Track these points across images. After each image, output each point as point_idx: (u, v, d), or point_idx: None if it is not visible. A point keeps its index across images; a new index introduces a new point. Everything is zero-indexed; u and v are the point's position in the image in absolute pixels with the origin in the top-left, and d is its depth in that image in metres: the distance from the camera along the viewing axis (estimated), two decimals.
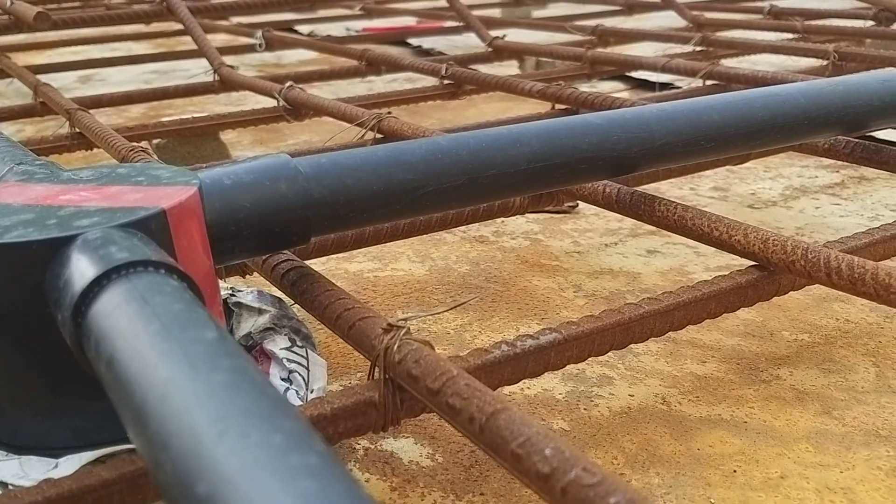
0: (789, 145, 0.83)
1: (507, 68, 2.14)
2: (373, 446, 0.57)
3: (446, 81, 1.48)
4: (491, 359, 0.52)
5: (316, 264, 0.87)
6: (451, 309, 0.72)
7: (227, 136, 1.39)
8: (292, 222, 0.55)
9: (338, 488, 0.25)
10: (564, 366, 0.54)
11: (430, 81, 1.51)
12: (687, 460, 0.55)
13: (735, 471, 0.54)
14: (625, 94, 1.78)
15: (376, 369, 0.49)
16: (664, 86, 1.70)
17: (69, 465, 0.45)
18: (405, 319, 0.50)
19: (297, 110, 1.30)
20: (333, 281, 0.82)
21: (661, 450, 0.56)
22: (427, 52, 2.45)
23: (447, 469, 0.54)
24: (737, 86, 1.38)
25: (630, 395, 0.63)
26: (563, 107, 1.22)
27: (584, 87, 1.88)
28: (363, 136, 1.08)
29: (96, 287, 0.39)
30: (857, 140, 0.87)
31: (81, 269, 0.41)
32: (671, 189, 1.12)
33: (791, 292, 0.63)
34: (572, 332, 0.55)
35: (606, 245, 0.93)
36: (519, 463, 0.38)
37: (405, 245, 0.93)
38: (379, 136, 1.07)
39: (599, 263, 0.88)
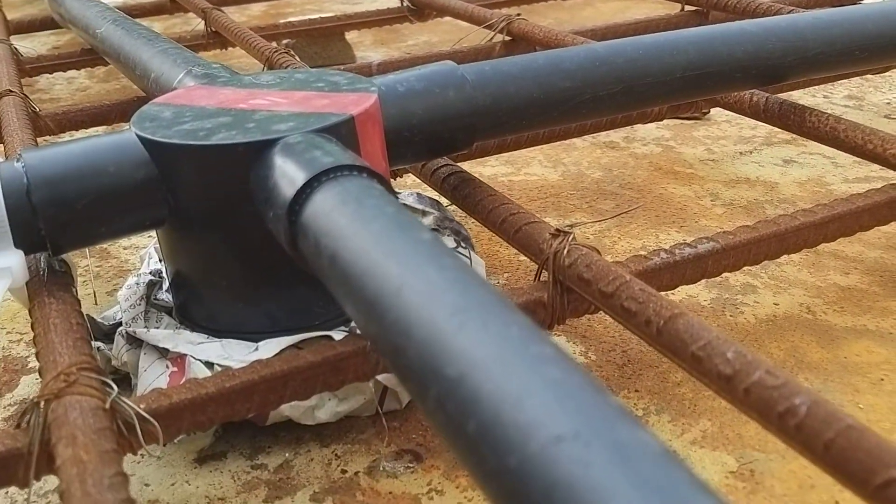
0: None
1: None
2: None
3: None
4: (651, 265, 0.54)
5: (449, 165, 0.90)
6: (616, 216, 0.74)
7: (349, 36, 1.41)
8: (459, 129, 0.58)
9: (576, 377, 0.28)
10: (720, 273, 0.56)
11: None
12: (834, 367, 0.57)
13: (882, 379, 0.56)
14: None
15: (544, 272, 0.52)
16: None
17: (268, 348, 0.50)
18: (571, 226, 0.52)
19: (421, 11, 1.31)
20: None
21: (808, 357, 0.58)
22: None
23: (601, 367, 0.58)
24: None
25: (775, 304, 0.64)
26: (692, 8, 1.20)
27: None
28: (492, 38, 1.08)
29: (308, 189, 0.43)
30: None
31: (291, 171, 0.44)
32: (804, 97, 1.10)
33: None
34: (729, 241, 0.56)
35: (741, 153, 0.93)
36: (700, 364, 0.41)
37: (536, 150, 0.95)
38: (507, 38, 1.07)
39: (735, 172, 0.88)
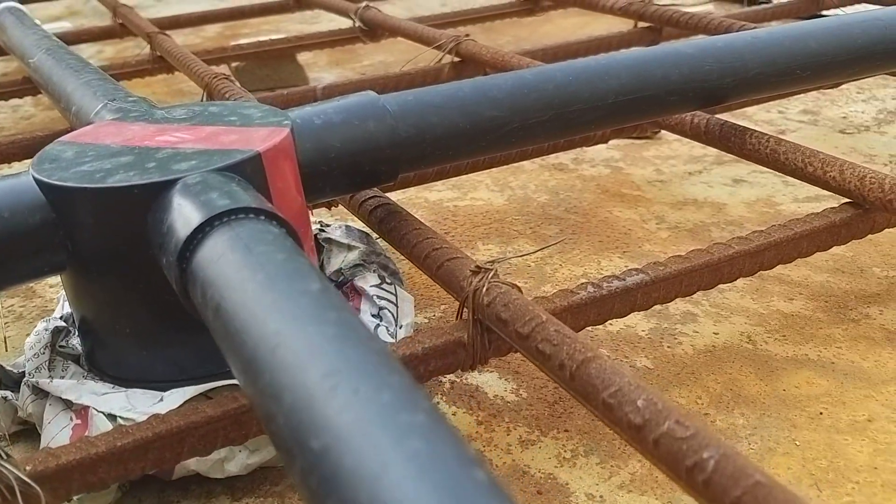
0: (890, 70, 0.79)
1: None
2: (458, 380, 0.58)
3: None
4: (577, 300, 0.52)
5: (394, 194, 0.88)
6: (537, 252, 0.72)
7: (302, 57, 1.39)
8: (380, 161, 0.56)
9: (445, 448, 0.26)
10: (651, 306, 0.54)
11: None
12: (772, 401, 0.55)
13: (821, 413, 0.54)
14: (710, 6, 1.71)
15: (465, 310, 0.49)
16: None
17: (174, 398, 0.48)
18: (493, 262, 0.50)
19: (374, 31, 1.29)
20: (413, 211, 0.83)
21: (745, 389, 0.56)
22: None
23: (531, 405, 0.56)
24: (831, 1, 1.32)
25: (715, 333, 0.62)
26: (645, 24, 1.18)
27: (668, 0, 1.82)
28: (440, 59, 1.07)
29: (200, 234, 0.40)
30: None
31: (184, 215, 0.42)
32: (758, 112, 1.08)
33: None
34: (660, 272, 0.54)
35: (690, 173, 0.91)
36: (610, 412, 0.39)
37: (484, 173, 0.93)
38: (456, 59, 1.06)
39: (683, 193, 0.87)
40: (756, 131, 0.69)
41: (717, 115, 1.04)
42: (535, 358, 0.44)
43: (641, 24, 1.19)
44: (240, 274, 0.37)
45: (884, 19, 0.73)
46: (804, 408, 0.54)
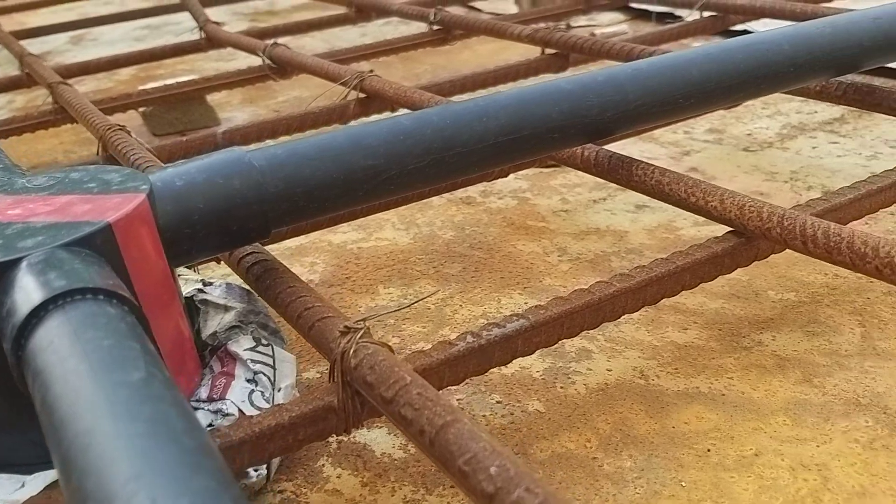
0: (778, 91, 0.80)
1: (504, 3, 2.09)
2: (347, 439, 0.57)
3: (436, 27, 1.45)
4: (455, 352, 0.51)
5: (298, 238, 0.86)
6: (405, 308, 0.71)
7: (216, 96, 1.37)
8: (249, 218, 0.54)
9: None
10: (533, 352, 0.54)
11: (422, 26, 1.47)
12: (661, 440, 0.54)
13: (709, 449, 0.53)
14: (623, 26, 1.73)
15: (336, 372, 0.48)
16: (661, 16, 1.65)
17: (36, 483, 0.46)
18: (363, 320, 0.49)
19: (283, 69, 1.28)
20: (316, 255, 0.81)
21: (635, 429, 0.55)
22: None
23: (419, 461, 0.54)
24: (735, 17, 1.34)
25: (608, 370, 0.62)
26: (552, 51, 1.19)
27: (583, 20, 1.83)
28: (346, 95, 1.06)
29: (34, 319, 0.39)
30: (849, 82, 0.84)
31: (21, 298, 0.40)
32: (665, 134, 1.09)
33: None
34: (540, 317, 0.54)
35: (595, 201, 0.91)
36: (466, 480, 0.37)
37: (391, 212, 0.92)
38: (362, 95, 1.05)
39: (587, 222, 0.86)
40: (642, 163, 0.69)
41: (626, 139, 1.05)
42: (398, 423, 0.43)
43: (549, 51, 1.19)
44: (63, 365, 0.35)
45: (766, 42, 0.73)
46: (692, 445, 0.54)
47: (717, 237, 0.62)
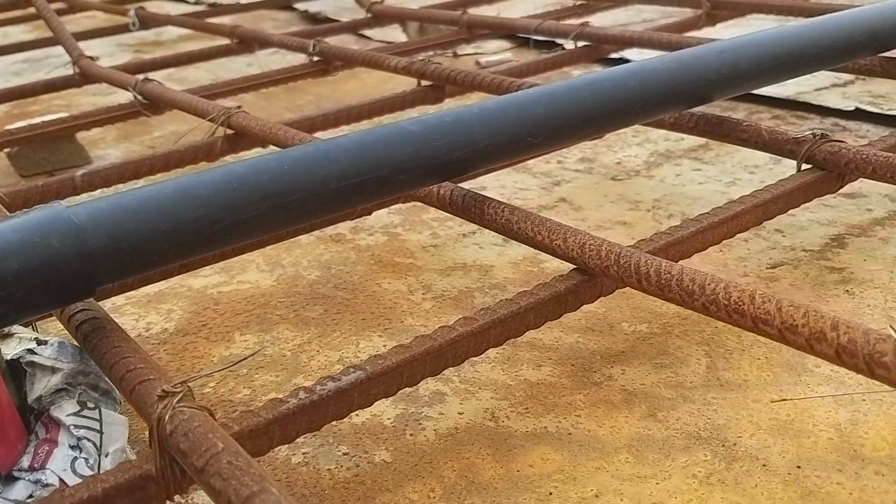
0: (628, 126, 0.82)
1: (394, 31, 2.09)
2: (185, 500, 0.55)
3: (316, 58, 1.43)
4: (286, 410, 0.49)
5: (158, 284, 0.83)
6: (226, 369, 0.68)
7: (90, 133, 1.32)
8: (71, 278, 0.52)
9: None
10: (371, 404, 0.53)
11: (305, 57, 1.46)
12: (505, 485, 0.54)
13: (551, 493, 0.53)
14: (508, 54, 1.75)
15: (154, 439, 0.46)
16: (546, 44, 1.67)
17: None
18: (183, 382, 0.47)
19: (154, 104, 1.25)
20: (174, 301, 0.79)
21: (480, 475, 0.55)
22: (314, 17, 2.38)
23: None
24: (608, 46, 1.37)
25: (459, 414, 0.61)
26: (428, 83, 1.19)
27: (470, 48, 1.85)
28: (213, 132, 1.03)
29: None
30: (700, 114, 0.86)
31: None
32: (538, 165, 1.10)
33: None
34: (378, 367, 0.53)
35: (464, 235, 0.91)
36: None
37: (257, 252, 0.90)
38: (230, 131, 1.03)
39: (454, 257, 0.86)
40: (494, 201, 0.69)
41: (500, 170, 1.05)
42: (209, 493, 0.41)
43: (425, 83, 1.19)
44: None
45: (612, 80, 0.75)
46: (535, 489, 0.54)
47: (561, 275, 0.63)
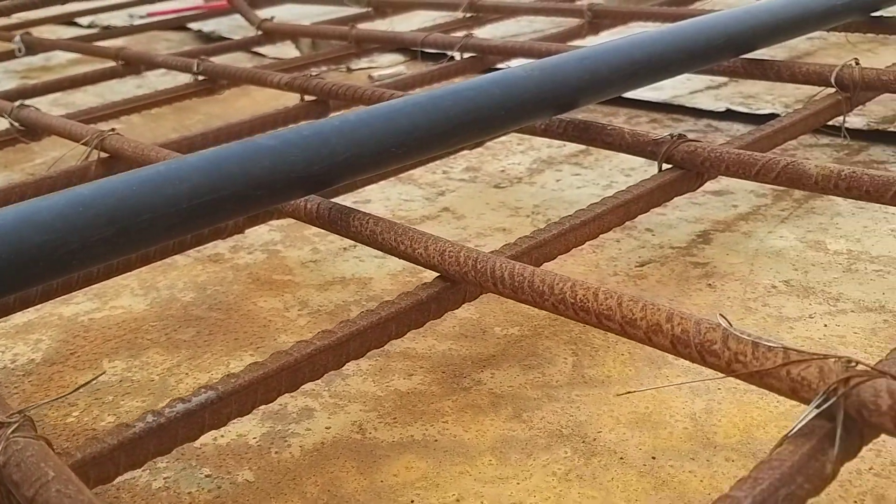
0: (496, 134, 0.83)
1: (290, 48, 2.08)
2: None
3: (201, 77, 1.42)
4: (132, 435, 0.48)
5: (27, 313, 0.81)
6: (60, 398, 0.67)
7: None
8: None
9: None
10: (225, 424, 0.52)
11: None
12: (367, 496, 0.54)
13: (413, 500, 0.53)
14: (402, 67, 1.76)
15: None
16: (431, 56, 1.68)
17: None
18: (20, 412, 0.45)
19: (32, 130, 1.21)
20: (43, 331, 0.76)
21: (343, 488, 0.55)
22: (208, 37, 2.35)
23: None
24: (493, 56, 1.39)
25: (327, 428, 0.61)
26: (311, 98, 1.19)
27: (364, 62, 1.85)
28: (87, 156, 1.01)
29: None
30: (568, 119, 0.88)
31: None
32: (425, 174, 1.11)
33: None
34: (230, 386, 0.52)
35: (345, 248, 0.91)
36: None
37: (132, 276, 0.88)
38: (104, 154, 1.00)
39: (333, 272, 0.86)
40: (359, 213, 0.69)
41: (383, 181, 1.06)
42: None
43: (309, 98, 1.19)
44: None
45: (474, 89, 0.76)
46: (397, 498, 0.54)
47: (424, 283, 0.63)
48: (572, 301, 0.53)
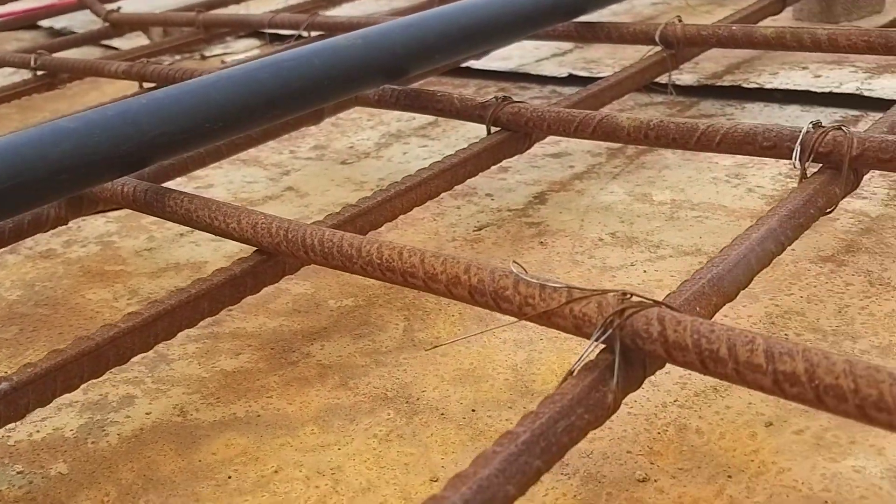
0: (321, 105, 0.82)
1: (143, 39, 2.01)
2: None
3: (40, 72, 1.35)
4: None
5: None
6: None
7: None
8: None
9: None
10: (24, 416, 0.50)
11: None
12: (184, 477, 0.52)
13: (230, 476, 0.52)
14: (257, 51, 1.72)
15: None
16: (282, 38, 1.66)
17: None
18: None
19: None
20: None
21: (159, 472, 0.53)
22: (60, 34, 2.24)
23: None
24: (341, 33, 1.37)
25: (147, 414, 0.59)
26: (150, 85, 1.15)
27: (219, 48, 1.81)
28: None
29: None
30: (400, 89, 0.88)
31: None
32: (271, 155, 1.09)
33: None
34: (26, 376, 0.50)
35: (182, 234, 0.88)
36: None
37: None
38: None
39: (167, 259, 0.83)
40: (175, 192, 0.67)
41: (224, 161, 1.03)
42: None
43: (148, 85, 1.15)
44: None
45: (293, 60, 0.74)
46: (215, 475, 0.52)
47: (240, 258, 0.62)
48: (378, 262, 0.53)
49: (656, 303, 0.43)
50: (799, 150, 0.61)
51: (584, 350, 0.42)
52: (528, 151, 0.98)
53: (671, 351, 0.41)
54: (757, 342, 0.38)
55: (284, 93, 0.73)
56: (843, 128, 0.61)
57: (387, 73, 0.83)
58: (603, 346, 0.43)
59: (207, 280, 0.59)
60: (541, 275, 0.47)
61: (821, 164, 0.62)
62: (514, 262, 0.48)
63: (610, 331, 0.42)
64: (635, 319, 0.42)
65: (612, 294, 0.44)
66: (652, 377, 0.56)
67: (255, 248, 0.62)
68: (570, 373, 0.43)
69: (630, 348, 0.42)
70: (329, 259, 0.56)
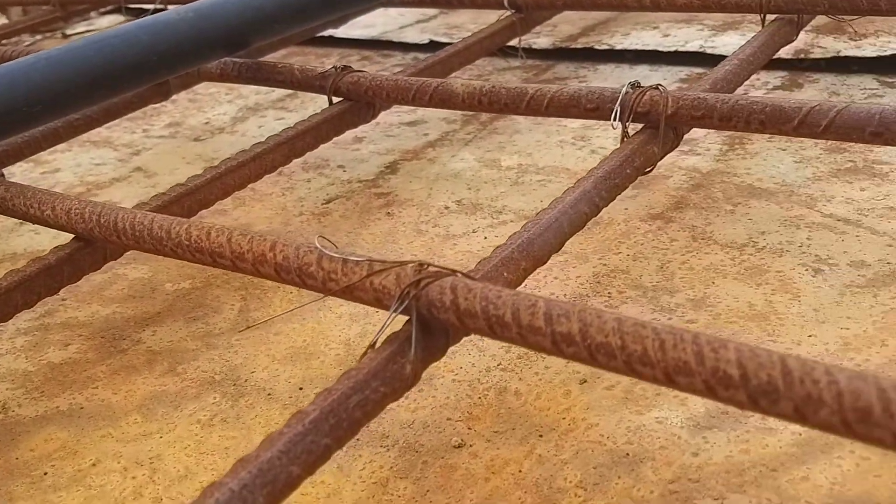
0: (154, 82, 0.79)
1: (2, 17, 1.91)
2: None
3: None
4: None
5: None
6: None
7: None
8: None
9: None
10: None
11: None
12: (1, 475, 0.51)
13: (46, 472, 0.51)
14: None
15: None
16: (139, 12, 1.60)
17: None
18: None
19: None
20: None
21: None
22: None
23: None
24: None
25: None
26: None
27: (82, 26, 1.73)
28: None
29: None
30: (242, 61, 0.86)
31: None
32: (123, 135, 1.05)
33: None
34: None
35: (21, 223, 0.85)
36: None
37: None
38: None
39: (4, 249, 0.80)
40: None
41: (80, 147, 0.99)
42: None
43: None
44: None
45: (119, 36, 0.72)
46: (31, 472, 0.51)
47: (57, 246, 0.60)
48: (188, 243, 0.51)
49: (452, 272, 0.43)
50: (619, 110, 0.63)
51: (383, 323, 0.42)
52: (384, 120, 0.98)
53: (463, 319, 0.41)
54: (538, 305, 0.39)
55: (110, 71, 0.70)
56: (659, 87, 0.63)
57: (226, 45, 0.80)
58: (407, 317, 0.44)
59: (20, 271, 0.57)
60: (345, 249, 0.46)
61: (642, 125, 0.63)
62: (320, 236, 0.47)
63: (406, 302, 0.43)
64: (430, 289, 0.42)
65: (410, 266, 0.44)
66: (479, 343, 0.57)
67: (73, 236, 0.60)
68: (372, 345, 0.43)
69: (428, 318, 0.43)
70: (141, 242, 0.54)
